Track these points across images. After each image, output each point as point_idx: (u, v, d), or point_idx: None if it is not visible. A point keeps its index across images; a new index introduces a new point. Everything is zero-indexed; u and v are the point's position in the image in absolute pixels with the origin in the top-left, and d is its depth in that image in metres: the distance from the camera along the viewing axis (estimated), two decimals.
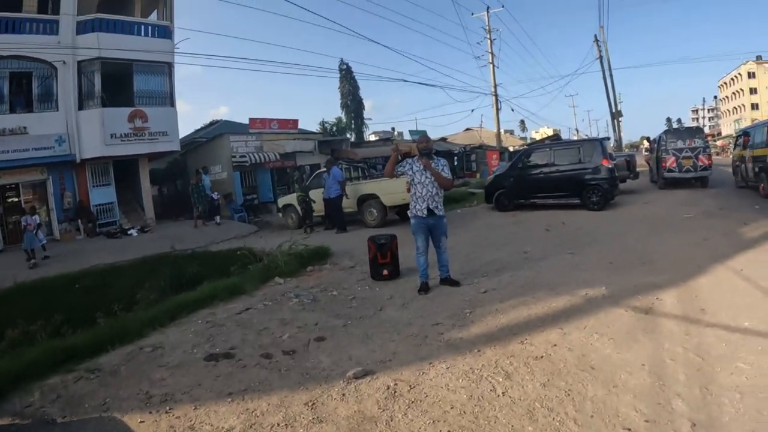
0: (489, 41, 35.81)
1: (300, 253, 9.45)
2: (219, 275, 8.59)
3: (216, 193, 20.79)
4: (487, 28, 35.90)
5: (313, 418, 3.58)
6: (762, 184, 14.46)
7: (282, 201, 18.19)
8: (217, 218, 20.06)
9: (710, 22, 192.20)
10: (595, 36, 38.65)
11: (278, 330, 5.68)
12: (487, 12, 35.90)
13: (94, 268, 11.76)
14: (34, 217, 14.92)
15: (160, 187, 27.54)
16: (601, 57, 38.22)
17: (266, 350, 5.06)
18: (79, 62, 18.84)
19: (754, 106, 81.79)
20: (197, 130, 33.54)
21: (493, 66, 35.63)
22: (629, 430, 3.24)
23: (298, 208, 16.34)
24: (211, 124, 34.45)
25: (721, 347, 4.41)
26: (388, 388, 3.98)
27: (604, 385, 3.85)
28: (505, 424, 3.39)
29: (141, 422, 3.78)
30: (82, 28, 18.84)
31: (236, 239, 15.40)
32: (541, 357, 4.44)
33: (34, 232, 14.48)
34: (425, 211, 6.71)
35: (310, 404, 3.80)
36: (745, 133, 17.33)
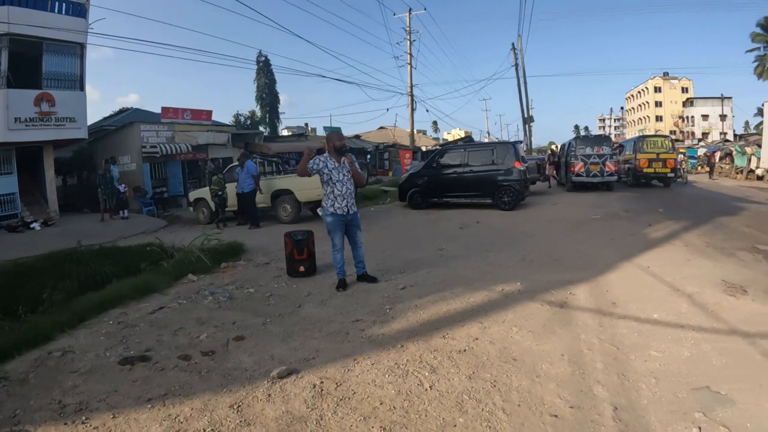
0: (408, 42, 36.47)
1: (213, 248, 9.16)
2: (129, 272, 8.15)
3: (123, 185, 19.68)
4: (407, 29, 36.60)
5: (240, 421, 3.47)
6: (628, 178, 22.58)
7: (193, 195, 17.59)
8: (125, 212, 19.05)
9: (621, 38, 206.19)
10: (513, 44, 40.36)
11: (195, 330, 5.44)
12: (409, 13, 36.63)
13: None
14: None
15: (65, 178, 25.61)
16: (517, 65, 39.95)
17: (184, 351, 4.82)
18: None
19: (658, 118, 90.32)
20: (105, 118, 31.38)
21: (411, 67, 36.31)
22: (556, 416, 3.40)
23: (211, 202, 15.88)
24: (121, 111, 32.50)
25: (633, 337, 4.75)
26: (315, 386, 3.93)
27: (528, 375, 4.02)
28: (435, 417, 3.44)
29: None
30: None
31: (146, 234, 14.65)
32: (464, 350, 4.56)
33: None
34: (345, 209, 6.72)
35: (235, 407, 3.67)
36: (620, 145, 24.59)
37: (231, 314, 5.98)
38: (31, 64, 18.50)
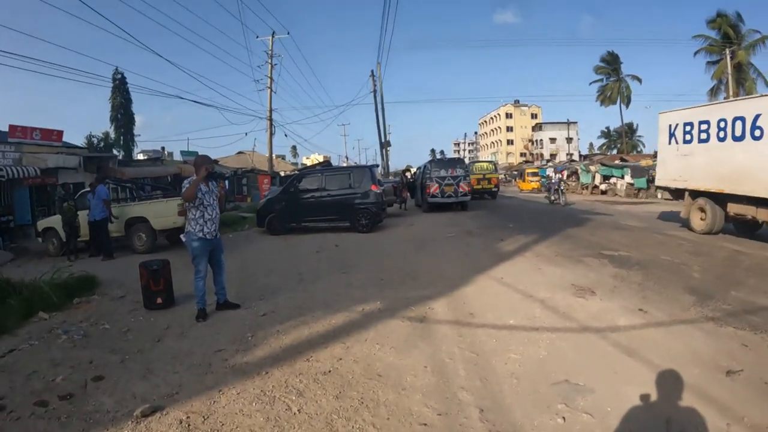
0: (270, 65, 36.00)
1: (65, 282, 8.42)
2: None
3: None
4: (269, 52, 36.14)
5: None
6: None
7: (42, 224, 15.95)
8: None
9: (475, 68, 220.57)
10: (372, 71, 41.52)
11: (50, 372, 4.96)
12: (272, 37, 36.27)
13: None
14: None
15: None
16: (375, 91, 41.20)
17: (40, 397, 4.36)
18: None
19: (510, 142, 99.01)
20: None
21: (271, 90, 35.91)
22: (425, 425, 3.49)
23: (61, 232, 14.49)
24: None
25: (492, 343, 5.06)
26: (181, 422, 3.76)
27: (394, 389, 4.10)
28: None
29: None
30: None
31: None
32: (329, 371, 4.56)
33: None
34: (214, 233, 6.69)
35: None
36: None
37: (87, 353, 5.53)
38: None
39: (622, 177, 31.11)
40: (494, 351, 4.79)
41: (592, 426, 3.40)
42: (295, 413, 3.78)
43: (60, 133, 24.93)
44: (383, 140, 42.29)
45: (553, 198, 25.01)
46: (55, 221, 15.05)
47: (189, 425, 3.71)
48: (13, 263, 13.94)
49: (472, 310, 6.21)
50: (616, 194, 30.88)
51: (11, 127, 22.47)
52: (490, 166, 31.68)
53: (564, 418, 3.48)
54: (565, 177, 39.59)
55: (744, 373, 4.07)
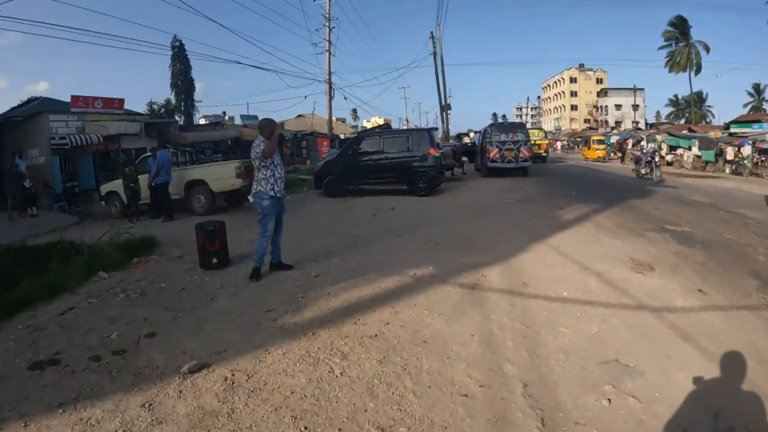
0: (328, 29, 35.81)
1: (125, 243, 8.75)
2: (38, 273, 7.62)
3: (28, 180, 18.24)
4: (327, 15, 35.87)
5: (152, 420, 3.35)
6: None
7: (105, 188, 16.55)
8: (34, 209, 17.70)
9: (539, 30, 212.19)
10: (432, 33, 40.91)
11: (106, 329, 5.18)
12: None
13: None
14: None
15: None
16: (435, 53, 40.61)
17: (94, 352, 4.58)
18: None
19: (573, 107, 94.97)
20: (12, 108, 28.96)
21: (330, 54, 35.80)
22: (466, 395, 3.44)
23: (123, 195, 15.07)
24: (29, 101, 30.06)
25: (543, 315, 4.92)
26: (226, 379, 3.87)
27: (438, 357, 4.06)
28: (346, 403, 3.44)
29: None
30: None
31: (56, 232, 13.76)
32: (375, 335, 4.56)
33: None
34: (282, 192, 6.92)
35: (147, 405, 3.54)
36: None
37: (142, 311, 5.73)
38: None
39: (689, 148, 29.43)
40: (545, 323, 4.67)
41: (638, 411, 3.26)
42: (337, 376, 3.82)
43: (121, 101, 25.61)
44: (443, 103, 41.73)
45: (643, 171, 21.20)
46: (117, 185, 15.52)
47: (233, 383, 3.81)
48: (78, 226, 14.53)
49: (526, 280, 6.06)
50: (683, 166, 29.33)
51: (73, 97, 23.26)
52: (541, 132, 36.61)
53: (609, 400, 3.36)
54: (630, 146, 38.15)
55: None
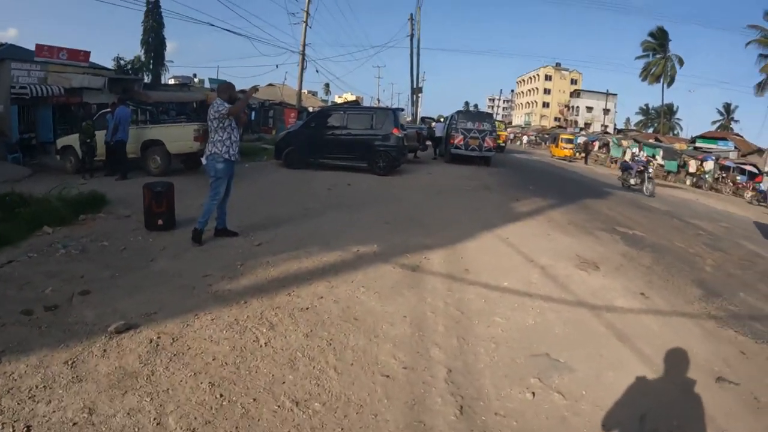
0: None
1: (74, 199, 8.50)
2: None
3: None
4: None
5: (72, 377, 3.28)
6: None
7: (61, 142, 15.93)
8: None
9: (519, 24, 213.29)
10: (411, 15, 40.45)
11: (42, 284, 5.01)
12: None
13: None
14: None
15: None
16: (412, 35, 40.23)
17: (27, 306, 4.43)
18: None
19: (545, 104, 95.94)
20: None
21: (306, 25, 35.11)
22: (387, 376, 3.39)
23: (78, 150, 14.51)
24: None
25: (480, 303, 4.88)
26: (151, 341, 3.80)
27: (366, 335, 4.00)
28: (266, 373, 3.38)
29: None
30: None
31: (8, 183, 13.23)
32: (307, 308, 4.48)
33: None
34: (237, 156, 6.79)
35: (69, 363, 3.45)
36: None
37: (81, 267, 5.55)
38: None
39: (654, 157, 29.82)
40: (480, 312, 4.64)
41: (561, 408, 3.24)
42: (261, 346, 3.75)
43: (87, 53, 24.66)
44: (414, 86, 41.64)
45: (632, 182, 18.80)
46: (73, 140, 14.98)
47: (158, 345, 3.74)
48: (31, 179, 14.03)
49: (469, 266, 6.03)
50: None
51: (38, 46, 22.25)
52: (501, 124, 40.30)
53: (534, 393, 3.33)
54: (596, 148, 38.75)
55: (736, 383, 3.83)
